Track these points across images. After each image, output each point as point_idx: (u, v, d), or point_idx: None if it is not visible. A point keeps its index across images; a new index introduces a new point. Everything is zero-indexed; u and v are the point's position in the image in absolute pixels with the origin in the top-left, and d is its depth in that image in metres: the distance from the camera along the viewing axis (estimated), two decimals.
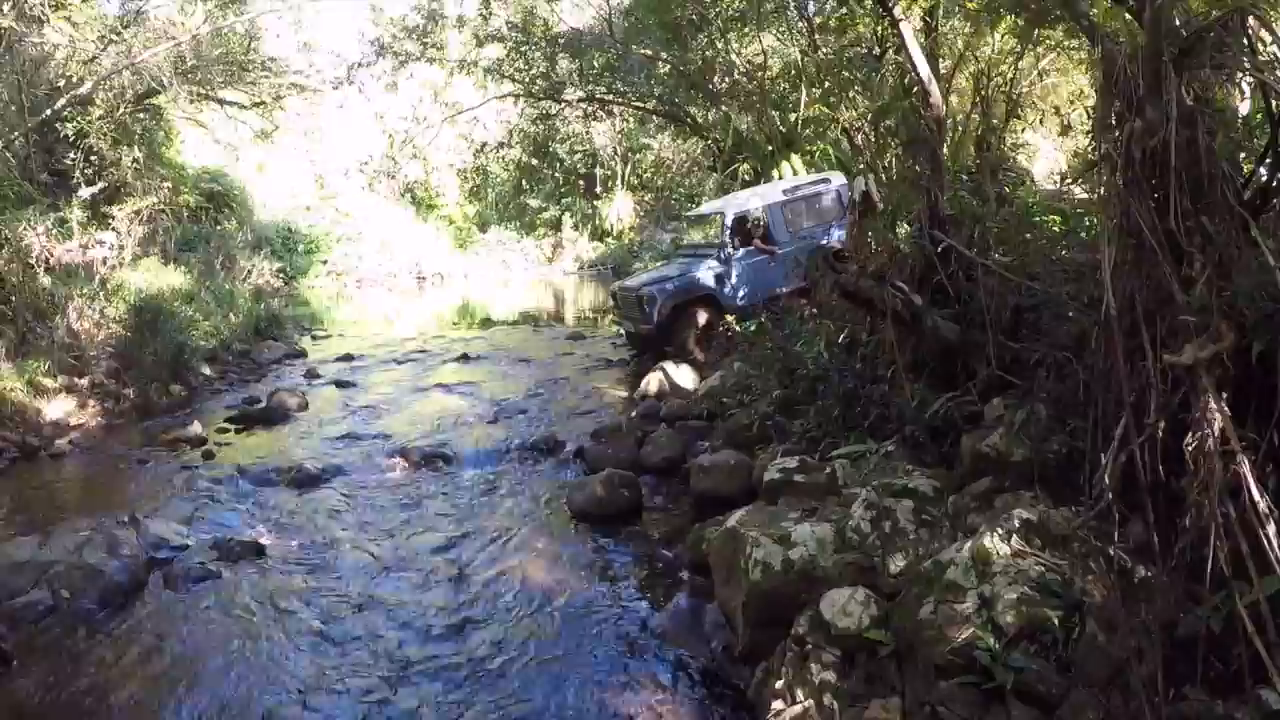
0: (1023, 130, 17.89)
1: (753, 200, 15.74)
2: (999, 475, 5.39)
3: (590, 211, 31.88)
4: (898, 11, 8.89)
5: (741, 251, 14.91)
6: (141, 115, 22.87)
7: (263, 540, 8.13)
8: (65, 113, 18.68)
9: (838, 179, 16.01)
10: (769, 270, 14.72)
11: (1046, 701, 3.72)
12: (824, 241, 14.81)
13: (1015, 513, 4.58)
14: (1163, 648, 3.67)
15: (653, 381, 12.38)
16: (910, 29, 8.72)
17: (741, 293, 14.81)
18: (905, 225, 8.46)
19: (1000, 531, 4.41)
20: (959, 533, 4.92)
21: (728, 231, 14.91)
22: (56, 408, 12.62)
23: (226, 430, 12.42)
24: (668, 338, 14.43)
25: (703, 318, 14.32)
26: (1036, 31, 11.19)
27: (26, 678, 5.93)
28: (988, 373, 6.22)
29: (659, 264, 19.45)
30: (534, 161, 30.80)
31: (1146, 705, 3.53)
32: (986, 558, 4.30)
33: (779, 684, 4.60)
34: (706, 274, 14.77)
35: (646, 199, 28.95)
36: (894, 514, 5.13)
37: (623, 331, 16.39)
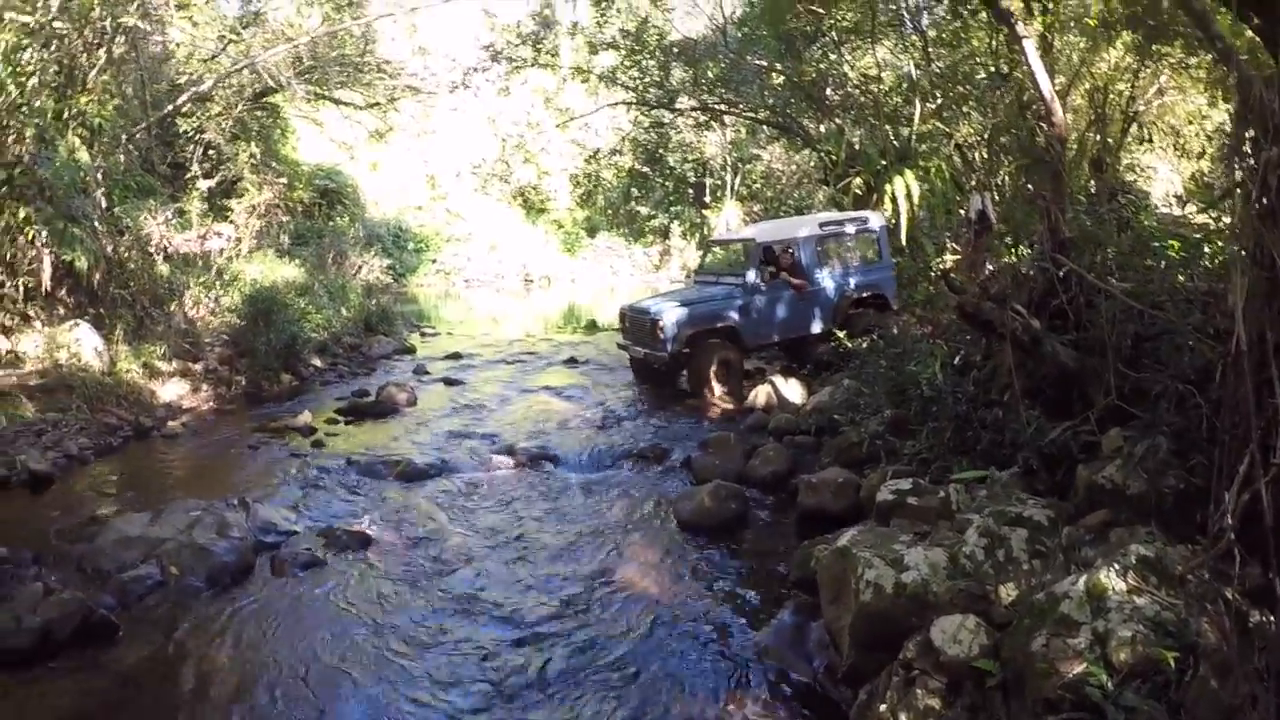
0: (1140, 151, 17.58)
1: (785, 231, 14.99)
2: (1115, 508, 5.30)
3: (699, 220, 31.88)
4: (1020, 28, 8.77)
5: (768, 285, 13.91)
6: (259, 113, 23.58)
7: (369, 531, 8.27)
8: (185, 108, 19.24)
9: (876, 219, 15.32)
10: (797, 308, 14.03)
11: None
12: (853, 283, 14.44)
13: (1132, 548, 4.49)
14: (1277, 696, 3.60)
15: (760, 394, 12.29)
16: (1032, 44, 8.60)
17: (765, 329, 13.98)
18: (1024, 247, 8.34)
19: (1116, 567, 4.34)
20: (1072, 565, 4.85)
21: (756, 261, 13.90)
22: (170, 390, 13.10)
23: (336, 421, 12.71)
24: (679, 370, 13.70)
25: (722, 352, 13.30)
26: (1155, 48, 11.03)
27: (131, 649, 6.13)
28: (1106, 402, 6.13)
29: (674, 289, 18.36)
30: (645, 169, 30.85)
31: None
32: (1101, 593, 4.23)
33: (882, 708, 4.55)
34: (729, 305, 13.65)
35: (755, 210, 28.82)
36: (1008, 542, 5.08)
37: (629, 358, 14.97)
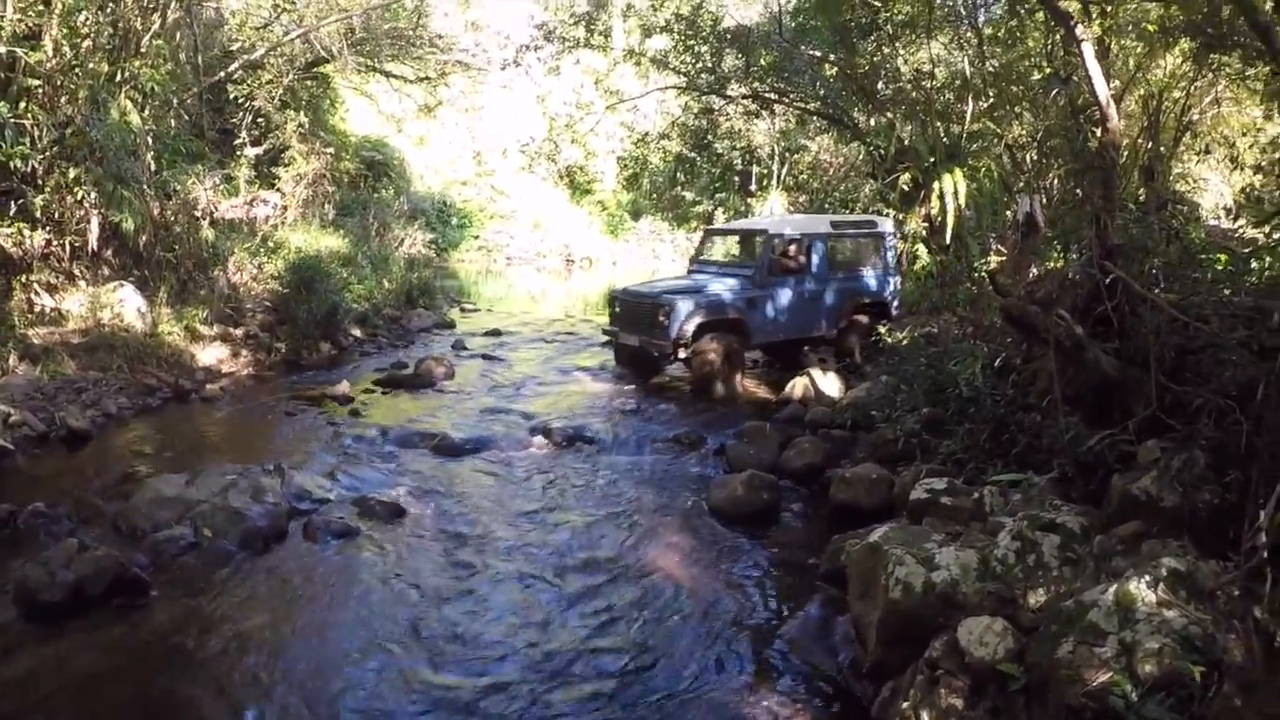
0: (1193, 161, 17.39)
1: (796, 226, 14.77)
2: (1148, 520, 5.27)
3: (744, 209, 31.78)
4: (1079, 30, 8.68)
5: (777, 280, 13.69)
6: (309, 82, 23.68)
7: (403, 502, 8.35)
8: (236, 75, 19.39)
9: (885, 223, 15.34)
10: (804, 307, 13.89)
11: None
12: (857, 288, 14.42)
13: (1163, 561, 4.49)
14: None
15: (798, 386, 12.27)
16: (1090, 47, 8.52)
17: (772, 325, 13.73)
18: (1073, 253, 8.29)
19: (1147, 578, 4.33)
20: (1103, 574, 4.84)
21: (769, 255, 13.64)
22: (210, 354, 13.30)
23: (373, 392, 12.86)
24: (678, 360, 13.10)
25: (725, 346, 12.79)
26: (1212, 57, 10.91)
27: (162, 608, 6.23)
28: (1146, 413, 6.10)
29: (668, 276, 17.67)
30: (692, 154, 30.76)
31: None
32: (1131, 603, 4.23)
33: (905, 705, 4.58)
34: (739, 297, 13.31)
35: (801, 200, 28.68)
36: (1039, 548, 5.08)
37: (617, 344, 14.42)
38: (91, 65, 12.88)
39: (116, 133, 12.67)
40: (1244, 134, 15.91)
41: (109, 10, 13.34)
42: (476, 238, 35.63)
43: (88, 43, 12.83)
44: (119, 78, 13.54)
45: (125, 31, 13.75)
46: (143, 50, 14.05)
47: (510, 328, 19.24)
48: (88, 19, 12.82)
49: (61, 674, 5.34)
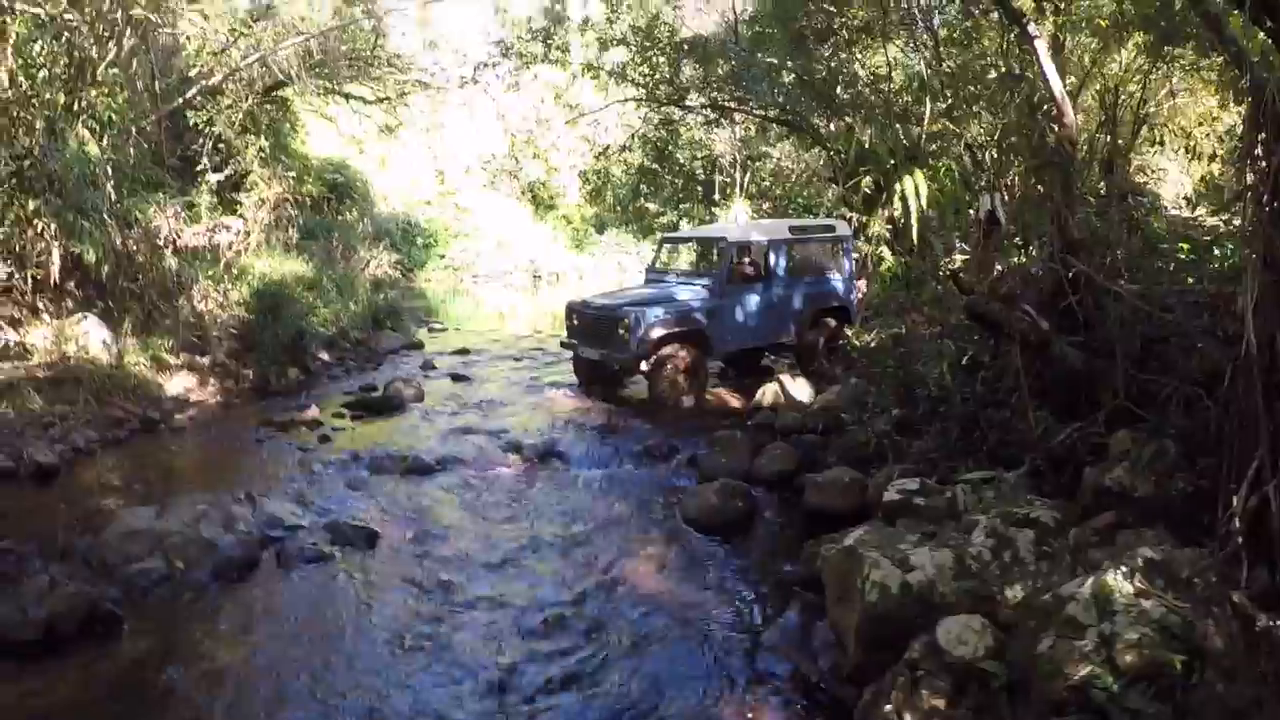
0: (1150, 153, 17.52)
1: (757, 232, 14.76)
2: (1122, 510, 5.29)
3: (708, 218, 31.82)
4: (1032, 28, 8.74)
5: (736, 288, 13.59)
6: (269, 106, 23.48)
7: (375, 526, 8.24)
8: (195, 101, 19.24)
9: (843, 227, 15.38)
10: (765, 314, 13.80)
11: None
12: (817, 293, 14.39)
13: (1139, 550, 4.49)
14: None
15: (768, 393, 12.21)
16: (1044, 44, 8.57)
17: (734, 334, 13.59)
18: (1034, 249, 8.34)
19: (1123, 569, 4.33)
20: (1079, 567, 4.84)
21: (729, 262, 13.57)
22: (177, 384, 13.08)
23: (342, 415, 12.68)
24: (640, 373, 12.81)
25: (689, 356, 12.72)
26: (1166, 49, 11.00)
27: (135, 642, 6.13)
28: (1115, 404, 6.12)
29: (626, 288, 17.09)
30: (654, 166, 30.80)
31: None
32: (1108, 595, 4.22)
33: (887, 708, 4.54)
34: (700, 306, 13.14)
35: (764, 208, 28.77)
36: (1014, 544, 5.08)
37: (576, 359, 14.15)
38: (48, 96, 12.74)
39: (75, 163, 12.52)
40: (1200, 124, 16.04)
41: (63, 40, 13.22)
42: (443, 257, 35.47)
43: (43, 73, 12.70)
44: (75, 107, 13.39)
45: (80, 61, 13.62)
46: (99, 79, 13.91)
47: (478, 346, 19.13)
48: (42, 49, 12.70)
49: (35, 712, 5.25)
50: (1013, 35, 10.95)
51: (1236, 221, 6.84)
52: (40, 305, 12.59)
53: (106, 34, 14.24)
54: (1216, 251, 7.77)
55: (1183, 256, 7.97)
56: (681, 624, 6.40)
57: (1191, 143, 12.88)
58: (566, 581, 7.20)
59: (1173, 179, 18.80)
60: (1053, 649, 4.13)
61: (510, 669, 5.79)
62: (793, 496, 8.84)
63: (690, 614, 6.55)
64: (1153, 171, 18.82)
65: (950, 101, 16.59)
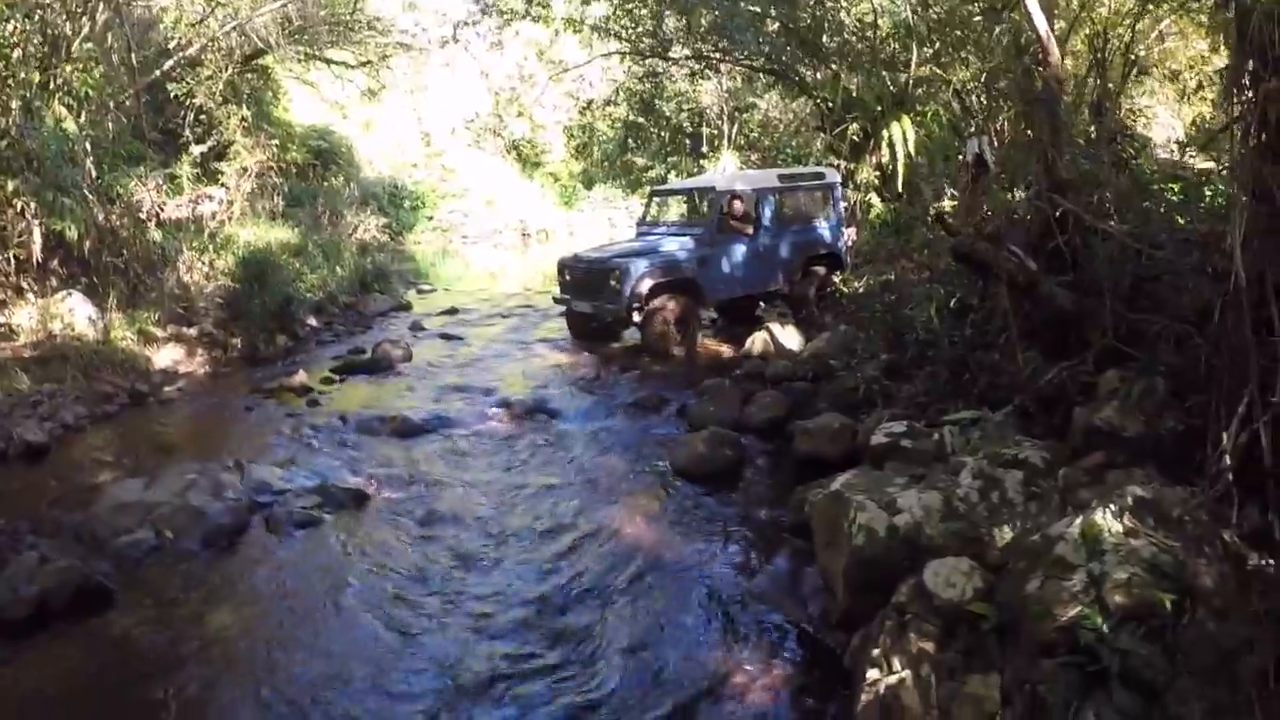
0: (1141, 95, 17.42)
1: (745, 181, 14.75)
2: (1112, 450, 5.24)
3: (696, 171, 31.64)
4: None
5: (726, 237, 13.61)
6: (250, 75, 23.29)
7: (366, 488, 8.23)
8: (174, 73, 19.07)
9: (832, 174, 15.37)
10: (756, 263, 13.82)
11: (1151, 687, 3.57)
12: (808, 240, 14.42)
13: (1128, 490, 4.43)
14: (1275, 639, 3.55)
15: (757, 342, 12.16)
16: None
17: (725, 283, 13.64)
18: (1021, 190, 8.27)
19: (1112, 508, 4.28)
20: (1069, 507, 4.80)
21: (718, 212, 13.58)
22: (165, 356, 13.00)
23: (331, 380, 12.63)
24: (632, 324, 13.00)
25: (680, 306, 12.84)
26: None
27: (127, 615, 6.08)
28: (1104, 343, 6.06)
29: (619, 241, 17.31)
30: (640, 119, 30.58)
31: (1255, 697, 3.42)
32: (1097, 535, 4.17)
33: (876, 652, 4.49)
34: (690, 256, 13.20)
35: (753, 159, 28.60)
36: (1002, 485, 5.04)
37: (569, 313, 14.41)
38: (22, 75, 12.58)
39: (53, 141, 12.40)
40: (1190, 66, 15.95)
41: (35, 18, 13.03)
42: (431, 219, 35.33)
43: (17, 52, 12.53)
44: (51, 85, 13.25)
45: (54, 38, 13.45)
46: (73, 55, 13.76)
47: (468, 305, 19.08)
48: (15, 27, 12.53)
49: (29, 689, 5.22)
50: None
51: (1226, 160, 6.78)
52: (24, 285, 12.48)
53: (79, 9, 14.07)
54: (1208, 192, 7.72)
55: (1173, 197, 7.91)
56: (671, 573, 6.39)
57: (1181, 85, 12.78)
58: (554, 535, 7.17)
59: (1164, 123, 18.69)
60: (1041, 590, 4.07)
61: (498, 624, 5.77)
62: (783, 444, 8.79)
63: (679, 563, 6.54)
64: (1143, 114, 18.72)
65: (937, 47, 16.46)
